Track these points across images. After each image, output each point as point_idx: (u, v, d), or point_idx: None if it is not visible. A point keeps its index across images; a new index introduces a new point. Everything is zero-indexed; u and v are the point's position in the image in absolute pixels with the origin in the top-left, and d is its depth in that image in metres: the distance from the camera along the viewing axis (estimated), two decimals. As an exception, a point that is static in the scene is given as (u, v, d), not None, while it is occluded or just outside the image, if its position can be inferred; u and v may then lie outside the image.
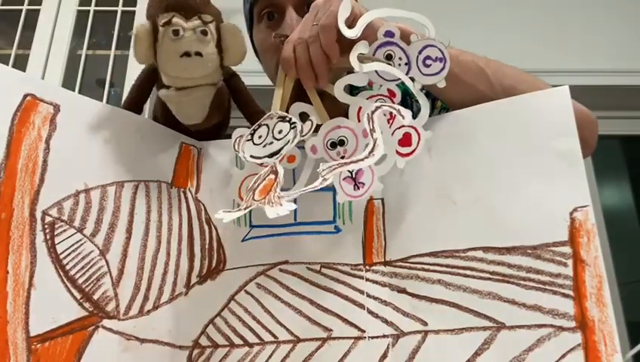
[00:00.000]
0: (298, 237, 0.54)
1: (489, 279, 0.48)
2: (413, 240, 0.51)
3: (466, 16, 1.76)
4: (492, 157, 0.51)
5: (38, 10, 1.53)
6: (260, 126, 0.53)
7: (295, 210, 0.55)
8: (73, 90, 0.56)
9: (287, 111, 0.53)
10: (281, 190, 0.47)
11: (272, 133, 0.51)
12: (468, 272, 0.49)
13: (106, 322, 0.50)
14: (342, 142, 0.52)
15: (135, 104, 0.60)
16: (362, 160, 0.46)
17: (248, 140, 0.52)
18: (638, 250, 1.77)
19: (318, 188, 0.46)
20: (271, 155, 0.49)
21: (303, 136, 0.50)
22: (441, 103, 0.64)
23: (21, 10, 1.54)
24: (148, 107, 0.63)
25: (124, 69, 1.42)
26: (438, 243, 0.50)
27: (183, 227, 0.56)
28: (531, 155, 0.50)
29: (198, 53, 0.54)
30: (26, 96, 0.51)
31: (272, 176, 0.47)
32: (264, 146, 0.50)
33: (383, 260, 0.52)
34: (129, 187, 0.55)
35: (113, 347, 0.50)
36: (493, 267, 0.48)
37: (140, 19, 0.63)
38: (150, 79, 0.60)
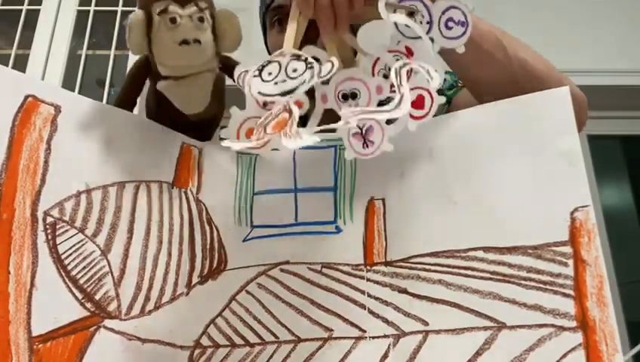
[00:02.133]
0: (299, 238, 0.54)
1: (490, 279, 0.48)
2: (414, 241, 0.51)
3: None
4: (492, 157, 0.51)
5: (38, 10, 1.53)
6: (269, 62, 0.47)
7: (296, 210, 0.55)
8: (73, 90, 0.56)
9: None
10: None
11: (286, 70, 0.46)
12: (469, 272, 0.49)
13: (107, 322, 0.50)
14: (354, 95, 0.50)
15: (128, 99, 0.60)
16: (389, 111, 0.43)
17: (256, 76, 0.47)
18: (638, 250, 1.77)
19: (340, 128, 0.43)
20: (284, 93, 0.45)
21: (322, 77, 0.46)
22: (446, 98, 0.64)
23: (21, 10, 1.54)
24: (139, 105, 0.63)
25: (124, 69, 1.43)
26: (439, 244, 0.50)
27: (184, 227, 0.56)
28: (532, 155, 0.50)
29: (197, 41, 0.53)
30: (27, 97, 0.51)
31: (286, 115, 0.43)
32: (275, 84, 0.46)
33: (383, 260, 0.52)
34: (130, 187, 0.55)
35: (115, 347, 0.50)
36: (493, 267, 0.48)
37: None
38: (143, 72, 0.59)
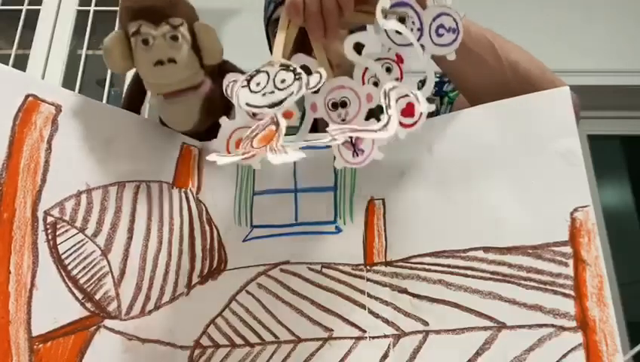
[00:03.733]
0: (299, 238, 0.55)
1: (490, 279, 0.48)
2: (413, 241, 0.52)
3: (466, 14, 1.77)
4: (493, 157, 0.51)
5: (38, 10, 1.53)
6: (258, 72, 0.47)
7: (296, 210, 0.55)
8: (73, 90, 0.56)
9: None
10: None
11: (274, 81, 0.46)
12: (468, 272, 0.49)
13: (107, 322, 0.50)
14: (344, 104, 0.49)
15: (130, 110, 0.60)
16: (375, 131, 0.43)
17: (244, 86, 0.46)
18: (638, 250, 1.77)
19: (326, 144, 0.43)
20: (272, 105, 0.44)
21: (310, 89, 0.45)
22: (448, 99, 0.64)
23: (21, 10, 1.54)
24: (147, 108, 0.63)
25: (124, 69, 1.42)
26: (439, 244, 0.51)
27: (184, 227, 0.56)
28: (532, 155, 0.50)
29: (172, 60, 0.52)
30: (27, 96, 0.51)
31: (273, 127, 0.43)
32: (264, 95, 0.45)
33: (383, 260, 0.52)
34: (130, 187, 0.55)
35: (115, 347, 0.50)
36: (493, 267, 0.48)
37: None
38: (140, 85, 0.59)
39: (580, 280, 0.45)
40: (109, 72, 1.46)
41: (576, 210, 0.47)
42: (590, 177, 0.48)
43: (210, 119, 0.59)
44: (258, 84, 0.46)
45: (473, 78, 0.54)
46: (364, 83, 0.50)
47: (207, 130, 0.61)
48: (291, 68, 0.46)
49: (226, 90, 0.48)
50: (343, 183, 0.55)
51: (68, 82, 1.45)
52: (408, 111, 0.48)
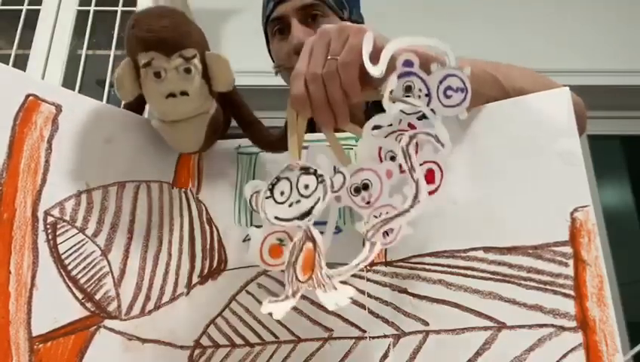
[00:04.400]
0: (299, 238, 0.54)
1: (490, 279, 0.48)
2: (413, 241, 0.51)
3: (467, 15, 1.77)
4: (493, 157, 0.52)
5: (38, 10, 1.53)
6: (278, 180, 0.47)
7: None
8: (73, 90, 0.56)
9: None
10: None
11: (297, 188, 0.46)
12: (469, 272, 0.49)
13: (107, 322, 0.50)
14: (366, 187, 0.47)
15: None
16: (409, 210, 0.43)
17: (268, 197, 0.46)
18: (638, 250, 1.77)
19: (370, 259, 0.43)
20: (302, 217, 0.44)
21: (335, 191, 0.45)
22: None
23: (21, 10, 1.54)
24: (147, 109, 0.63)
25: (124, 69, 1.42)
26: (439, 244, 0.51)
27: (184, 227, 0.56)
28: (532, 156, 0.50)
29: (184, 93, 0.50)
30: (28, 96, 0.51)
31: (310, 245, 0.43)
32: (290, 205, 0.45)
33: (384, 260, 0.52)
34: (130, 187, 0.55)
35: (115, 347, 0.50)
36: (493, 267, 0.48)
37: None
38: (140, 104, 0.58)
39: (580, 280, 0.45)
40: (109, 72, 1.46)
41: (576, 210, 0.47)
42: (590, 177, 0.48)
43: (213, 139, 0.58)
44: (282, 193, 0.46)
45: None
46: (381, 160, 0.49)
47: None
48: (311, 170, 0.46)
49: (250, 203, 0.47)
50: (343, 183, 0.55)
51: (68, 82, 1.45)
52: (429, 177, 0.48)
